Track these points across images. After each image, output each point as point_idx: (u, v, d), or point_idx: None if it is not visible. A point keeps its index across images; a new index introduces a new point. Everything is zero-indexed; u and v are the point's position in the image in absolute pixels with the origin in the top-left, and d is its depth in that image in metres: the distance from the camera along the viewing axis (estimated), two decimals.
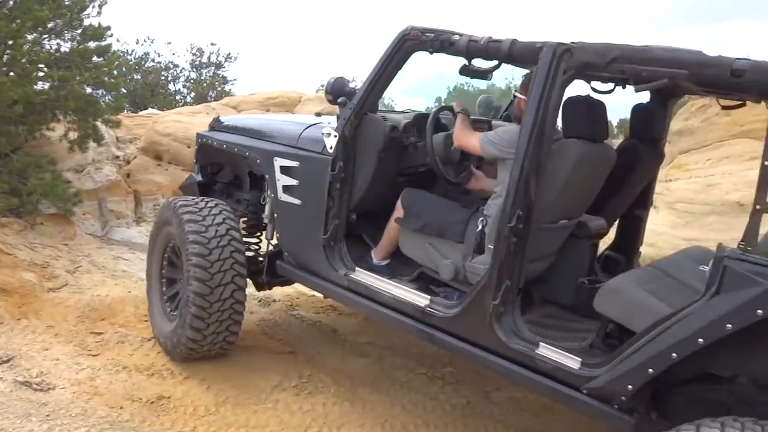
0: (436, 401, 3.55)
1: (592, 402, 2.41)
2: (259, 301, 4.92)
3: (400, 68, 3.19)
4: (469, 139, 3.03)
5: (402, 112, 3.86)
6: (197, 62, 19.62)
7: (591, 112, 2.92)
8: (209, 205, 3.63)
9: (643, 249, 3.65)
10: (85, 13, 6.10)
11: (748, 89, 2.21)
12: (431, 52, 3.01)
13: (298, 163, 3.45)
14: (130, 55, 18.60)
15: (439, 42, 2.93)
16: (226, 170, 4.21)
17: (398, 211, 3.26)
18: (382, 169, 3.31)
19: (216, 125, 4.17)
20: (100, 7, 6.21)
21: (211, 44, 21.15)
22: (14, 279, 4.33)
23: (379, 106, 3.50)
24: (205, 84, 19.33)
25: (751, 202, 2.11)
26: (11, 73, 5.31)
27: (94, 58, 6.03)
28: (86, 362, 3.50)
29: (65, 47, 6.03)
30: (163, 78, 19.34)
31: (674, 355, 2.14)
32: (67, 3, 5.92)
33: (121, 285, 4.71)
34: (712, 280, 2.08)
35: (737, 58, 2.12)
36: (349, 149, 3.26)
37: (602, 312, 2.57)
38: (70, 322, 4.00)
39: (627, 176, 3.29)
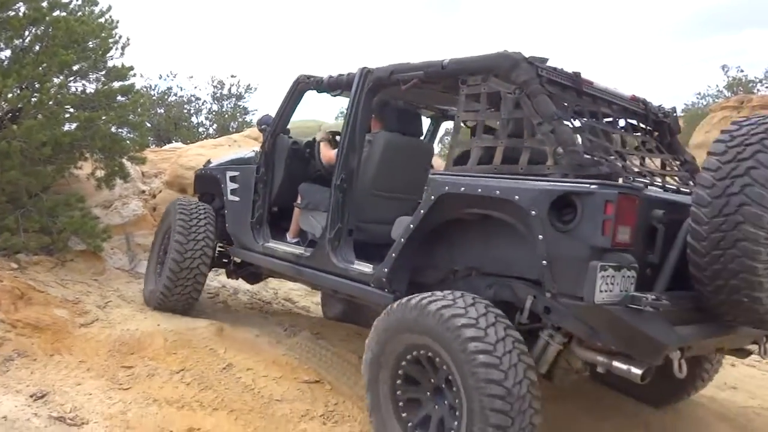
0: None
1: (374, 290, 3.51)
2: (285, 330, 4.97)
3: (298, 103, 4.62)
4: (330, 156, 4.24)
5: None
6: (218, 94, 20.01)
7: (401, 114, 4.24)
8: (199, 206, 5.09)
9: None
10: (108, 55, 6.29)
11: (451, 74, 3.37)
12: (318, 91, 4.35)
13: (238, 172, 4.93)
14: (154, 90, 19.04)
15: (316, 83, 4.34)
16: (216, 200, 5.40)
17: (298, 199, 4.48)
18: (290, 173, 4.68)
19: (206, 165, 5.67)
20: (123, 48, 6.41)
21: (232, 76, 21.57)
22: (47, 316, 4.43)
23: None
24: (226, 115, 19.66)
25: None
26: (39, 116, 5.47)
27: (119, 98, 6.20)
28: (118, 396, 3.56)
29: (90, 88, 6.22)
30: (185, 111, 19.72)
31: (402, 240, 3.29)
32: (91, 46, 6.10)
33: (150, 318, 4.78)
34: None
35: (445, 59, 3.38)
36: (268, 159, 4.69)
37: (393, 237, 3.48)
38: (102, 356, 4.08)
39: None
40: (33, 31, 5.79)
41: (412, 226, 3.24)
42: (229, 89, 19.87)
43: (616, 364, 2.74)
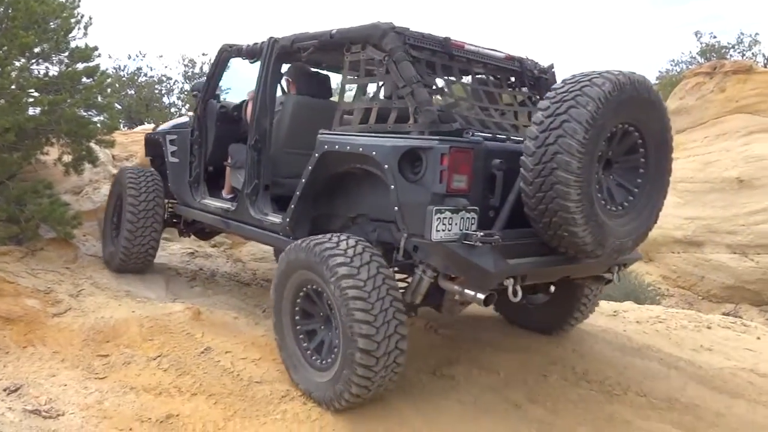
0: (448, 400, 3.55)
1: (281, 237, 3.99)
2: (263, 311, 4.93)
3: (224, 70, 5.10)
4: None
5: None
6: (190, 73, 19.61)
7: (311, 78, 4.66)
8: (146, 173, 5.55)
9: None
10: (71, 35, 6.06)
11: (338, 43, 3.74)
12: (242, 58, 4.68)
13: (177, 136, 5.40)
14: (123, 70, 18.61)
15: (237, 50, 4.71)
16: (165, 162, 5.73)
17: (228, 158, 4.91)
18: (220, 134, 5.09)
19: (154, 129, 6.22)
20: (85, 28, 6.17)
21: (203, 54, 21.16)
22: (18, 307, 4.33)
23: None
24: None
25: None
26: (1, 101, 5.28)
27: (84, 80, 5.99)
28: (94, 386, 3.50)
29: (54, 71, 5.99)
30: (157, 91, 19.33)
31: (298, 192, 3.77)
32: (52, 27, 5.87)
33: (124, 305, 4.70)
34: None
35: (333, 29, 3.76)
36: (201, 122, 5.10)
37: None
38: (76, 346, 4.00)
39: None
40: None
41: (303, 180, 3.72)
42: (201, 68, 19.46)
43: (466, 291, 3.16)
